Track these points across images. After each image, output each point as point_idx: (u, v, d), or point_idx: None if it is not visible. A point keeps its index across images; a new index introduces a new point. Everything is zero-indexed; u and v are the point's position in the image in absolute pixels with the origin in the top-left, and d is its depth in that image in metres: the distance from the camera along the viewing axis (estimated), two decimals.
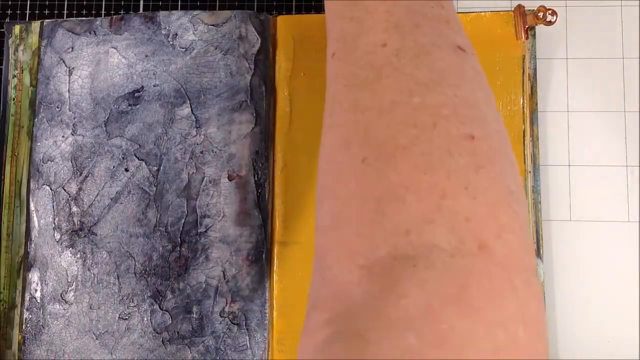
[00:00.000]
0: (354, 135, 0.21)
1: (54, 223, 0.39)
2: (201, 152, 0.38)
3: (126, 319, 0.38)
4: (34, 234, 0.39)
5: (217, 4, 0.43)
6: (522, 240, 0.20)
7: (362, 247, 0.19)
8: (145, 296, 0.38)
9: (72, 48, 0.41)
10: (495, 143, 0.21)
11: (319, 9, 0.43)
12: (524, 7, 0.39)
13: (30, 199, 0.40)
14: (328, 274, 0.20)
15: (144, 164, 0.39)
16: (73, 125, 0.40)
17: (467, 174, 0.19)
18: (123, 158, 0.39)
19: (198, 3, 0.43)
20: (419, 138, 0.20)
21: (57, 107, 0.40)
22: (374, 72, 0.22)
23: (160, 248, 0.38)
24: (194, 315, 0.37)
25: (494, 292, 0.18)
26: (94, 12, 0.44)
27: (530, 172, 0.38)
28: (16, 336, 0.39)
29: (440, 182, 0.19)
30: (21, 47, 0.42)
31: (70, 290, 0.38)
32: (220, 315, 0.37)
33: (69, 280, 0.38)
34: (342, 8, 0.25)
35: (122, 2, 0.44)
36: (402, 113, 0.21)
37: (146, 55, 0.40)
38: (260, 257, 0.38)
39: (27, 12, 0.44)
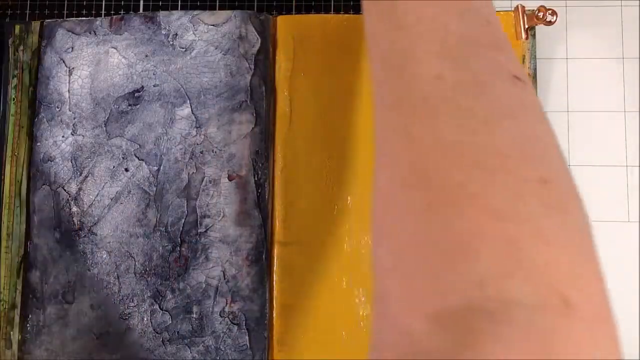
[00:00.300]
0: (414, 176, 0.20)
1: (54, 223, 0.39)
2: (201, 152, 0.38)
3: (126, 319, 0.38)
4: (34, 233, 0.39)
5: (217, 4, 0.43)
6: (602, 290, 0.19)
7: (430, 296, 0.18)
8: (145, 296, 0.38)
9: (72, 48, 0.41)
10: (564, 183, 0.20)
11: (319, 9, 0.43)
12: (524, 7, 0.39)
13: (30, 199, 0.40)
14: (393, 319, 0.19)
15: (144, 164, 0.39)
16: (73, 125, 0.40)
17: (542, 222, 0.18)
18: (123, 158, 0.39)
19: (198, 3, 0.43)
20: (488, 183, 0.19)
21: (57, 107, 0.40)
22: (431, 107, 0.21)
23: (160, 248, 0.38)
24: (194, 315, 0.37)
25: (579, 351, 0.17)
26: (94, 12, 0.44)
27: None
28: (16, 336, 0.39)
29: (515, 232, 0.18)
30: (21, 47, 0.42)
31: (71, 290, 0.38)
32: (220, 315, 0.37)
33: (69, 280, 0.38)
34: (385, 31, 0.24)
35: (122, 2, 0.44)
36: (467, 155, 0.19)
37: (146, 55, 0.40)
38: (260, 257, 0.38)
39: (27, 12, 0.44)
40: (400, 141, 0.21)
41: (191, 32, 0.40)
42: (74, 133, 0.40)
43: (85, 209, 0.39)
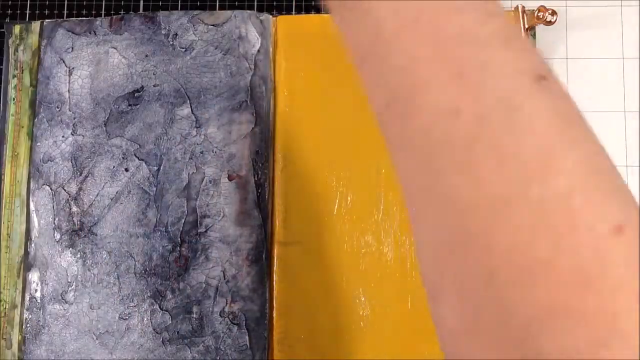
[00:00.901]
0: (466, 243, 0.17)
1: (54, 223, 0.39)
2: (201, 152, 0.38)
3: (126, 319, 0.38)
4: (34, 234, 0.39)
5: (217, 4, 0.43)
6: None
7: None
8: (145, 296, 0.38)
9: (72, 48, 0.41)
10: (638, 226, 0.17)
11: (319, 9, 0.43)
12: (524, 7, 0.38)
13: (30, 199, 0.40)
14: None
15: (144, 164, 0.39)
16: (73, 125, 0.40)
17: (633, 286, 0.16)
18: (123, 158, 0.39)
19: (198, 3, 0.43)
20: (560, 247, 0.16)
21: (57, 107, 0.40)
22: (462, 151, 0.17)
23: (160, 248, 0.38)
24: (194, 315, 0.37)
25: None
26: (94, 12, 0.44)
27: None
28: (16, 336, 0.39)
29: (606, 303, 0.16)
30: (21, 47, 0.42)
31: (70, 290, 0.38)
32: (220, 315, 0.37)
33: (69, 280, 0.38)
34: (376, 49, 0.19)
35: (122, 2, 0.44)
36: (524, 213, 0.16)
37: (146, 55, 0.40)
38: (260, 257, 0.38)
39: (27, 12, 0.44)
40: (436, 199, 0.18)
41: (191, 32, 0.40)
42: (74, 133, 0.40)
43: (85, 209, 0.39)
